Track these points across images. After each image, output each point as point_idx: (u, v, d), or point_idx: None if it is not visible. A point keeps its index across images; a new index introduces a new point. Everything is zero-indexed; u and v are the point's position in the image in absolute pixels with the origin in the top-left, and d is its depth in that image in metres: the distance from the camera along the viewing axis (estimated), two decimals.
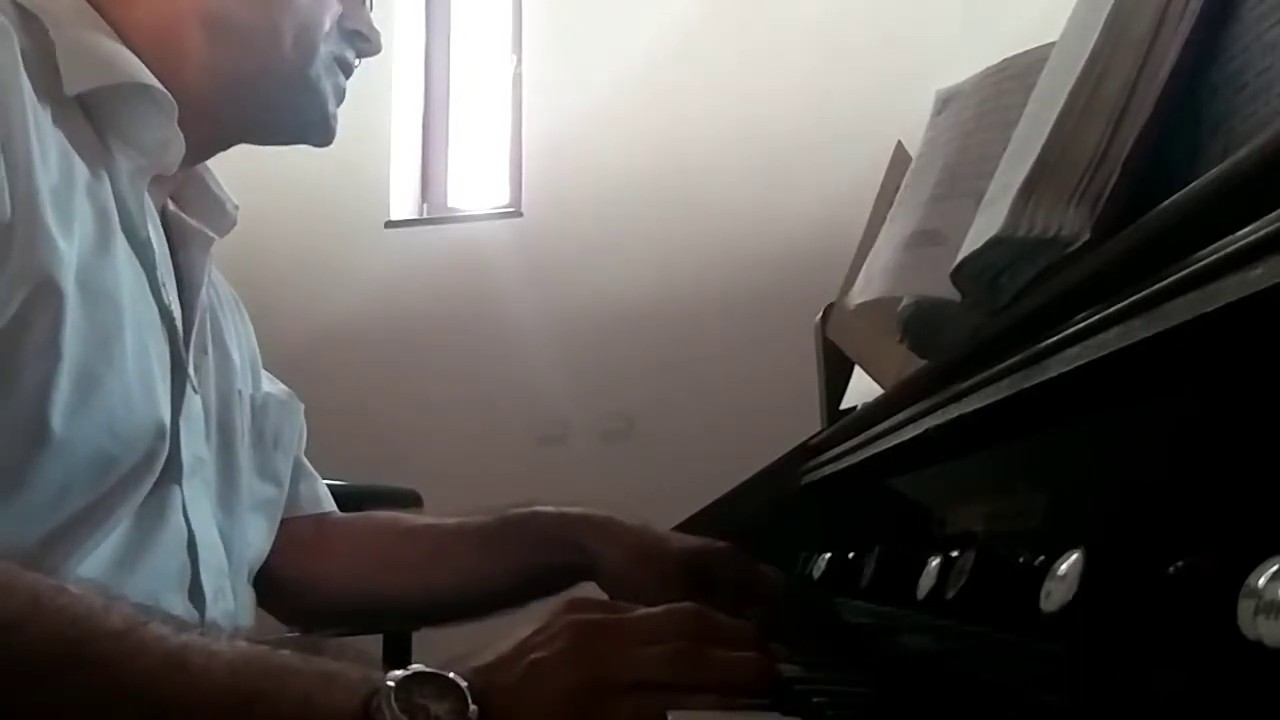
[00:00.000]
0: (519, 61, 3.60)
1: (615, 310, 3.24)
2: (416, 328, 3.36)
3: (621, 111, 3.34)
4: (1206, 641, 0.34)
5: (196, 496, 0.79)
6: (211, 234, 0.85)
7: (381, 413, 3.29)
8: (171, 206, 0.84)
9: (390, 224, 3.51)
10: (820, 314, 1.27)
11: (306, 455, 1.04)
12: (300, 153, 0.90)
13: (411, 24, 3.72)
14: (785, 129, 3.20)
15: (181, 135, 0.76)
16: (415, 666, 0.54)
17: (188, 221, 0.84)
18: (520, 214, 3.46)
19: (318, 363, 3.29)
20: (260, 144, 0.87)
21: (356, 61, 0.87)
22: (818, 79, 3.20)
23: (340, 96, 0.86)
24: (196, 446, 0.79)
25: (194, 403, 0.79)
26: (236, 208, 0.89)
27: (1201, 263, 0.35)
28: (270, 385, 1.00)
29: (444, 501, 1.77)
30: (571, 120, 3.38)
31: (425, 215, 3.68)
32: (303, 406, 1.01)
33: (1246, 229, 0.33)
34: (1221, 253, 0.34)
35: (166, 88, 0.75)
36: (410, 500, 1.50)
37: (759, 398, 2.90)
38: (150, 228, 0.75)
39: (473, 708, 0.53)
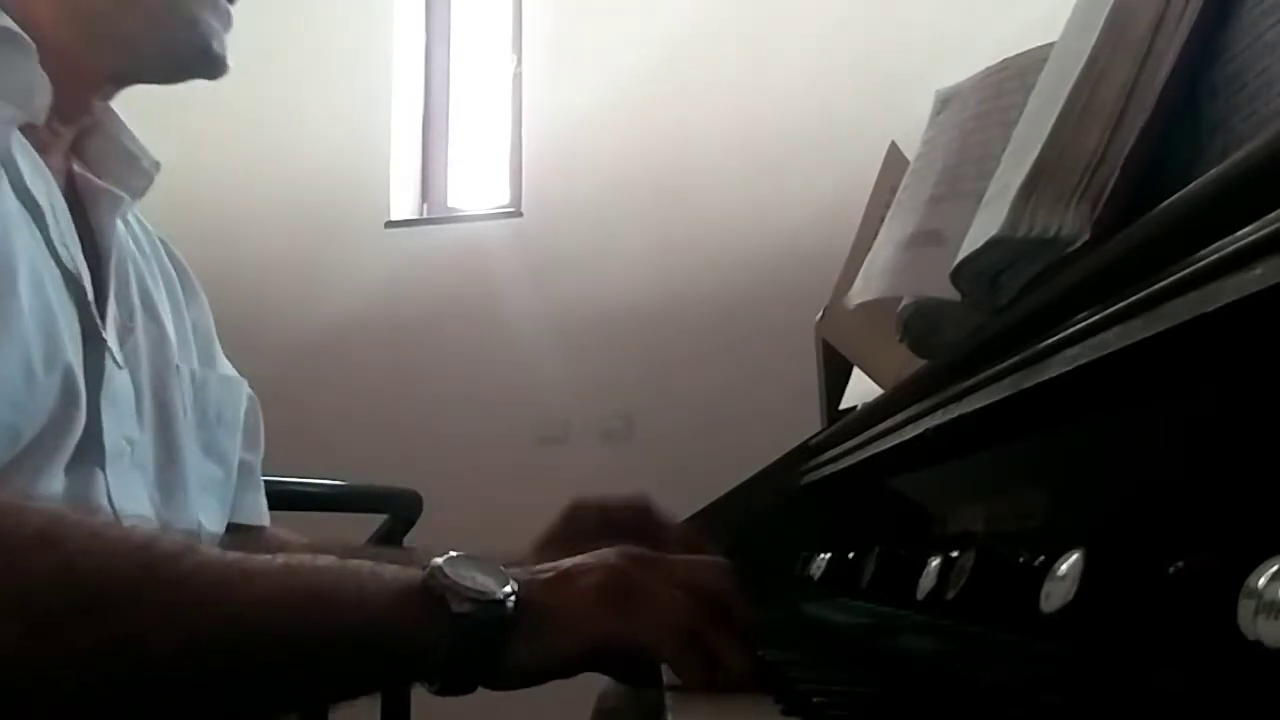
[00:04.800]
0: (519, 61, 3.60)
1: (615, 310, 3.24)
2: (416, 328, 3.36)
3: (621, 112, 3.33)
4: (1206, 641, 0.34)
5: (125, 482, 0.74)
6: (120, 193, 0.80)
7: (381, 413, 3.29)
8: (78, 167, 0.79)
9: (390, 224, 3.51)
10: (820, 314, 1.27)
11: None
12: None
13: (411, 24, 3.71)
14: (786, 129, 3.20)
15: (47, 78, 0.71)
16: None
17: (94, 181, 0.79)
18: (520, 214, 3.46)
19: (318, 363, 3.29)
20: (147, 83, 0.81)
21: None
22: (818, 79, 3.19)
23: (227, 23, 0.79)
24: (125, 427, 0.75)
25: (117, 380, 0.75)
26: (156, 165, 0.84)
27: (1201, 263, 0.35)
28: (226, 369, 0.94)
29: (444, 501, 1.77)
30: (571, 120, 3.38)
31: (425, 215, 3.68)
32: (247, 389, 0.95)
33: (1246, 229, 0.33)
34: (1221, 253, 0.34)
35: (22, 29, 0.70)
36: (410, 500, 1.49)
37: (759, 398, 2.90)
38: (42, 184, 0.71)
39: (512, 584, 0.59)
